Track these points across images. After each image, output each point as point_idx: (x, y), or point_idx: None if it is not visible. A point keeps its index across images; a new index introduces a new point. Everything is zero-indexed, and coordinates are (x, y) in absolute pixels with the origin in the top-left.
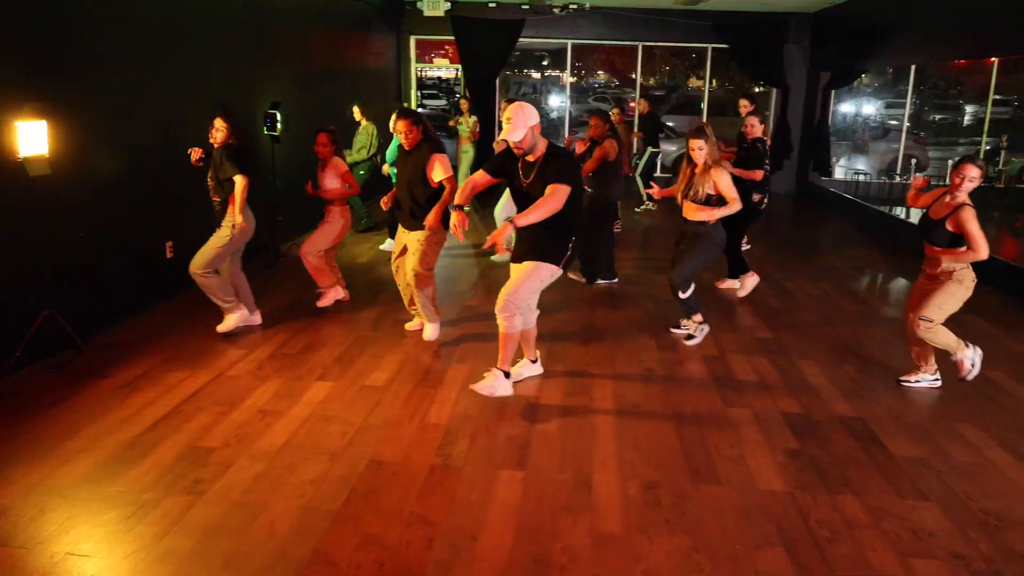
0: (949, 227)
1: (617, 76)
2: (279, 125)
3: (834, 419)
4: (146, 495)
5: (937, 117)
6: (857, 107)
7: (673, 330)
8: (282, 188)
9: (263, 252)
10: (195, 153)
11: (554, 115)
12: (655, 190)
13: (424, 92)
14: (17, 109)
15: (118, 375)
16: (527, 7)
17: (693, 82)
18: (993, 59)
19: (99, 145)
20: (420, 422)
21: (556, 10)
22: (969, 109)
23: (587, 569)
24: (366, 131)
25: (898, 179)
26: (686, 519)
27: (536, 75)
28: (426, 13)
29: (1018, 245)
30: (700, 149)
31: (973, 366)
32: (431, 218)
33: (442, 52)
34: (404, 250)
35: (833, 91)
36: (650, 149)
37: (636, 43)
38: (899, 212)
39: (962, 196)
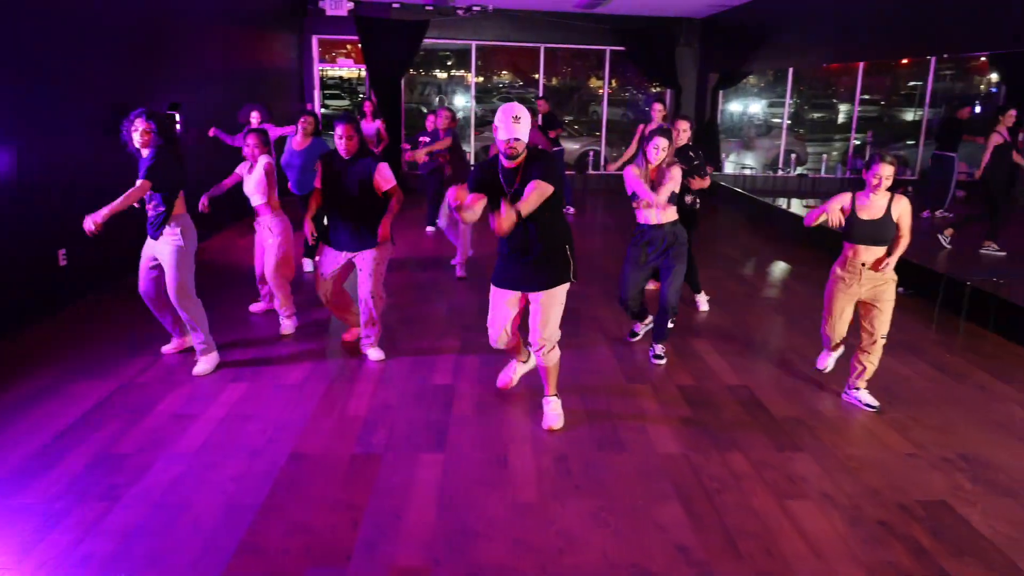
0: (895, 221)
1: (520, 77)
2: (178, 126)
3: (723, 388)
4: (57, 504)
5: (816, 115)
6: (744, 106)
7: (655, 360)
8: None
9: None
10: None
11: (460, 115)
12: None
13: (326, 92)
14: None
15: (15, 388)
16: (431, 8)
17: (593, 82)
18: (859, 63)
19: None
20: (339, 415)
21: (460, 11)
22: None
23: (506, 535)
24: None
25: (780, 173)
26: (594, 484)
27: (442, 75)
28: (329, 12)
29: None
30: (665, 148)
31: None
32: (386, 230)
33: (343, 51)
34: (341, 273)
35: (721, 91)
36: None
37: (539, 45)
38: (782, 203)
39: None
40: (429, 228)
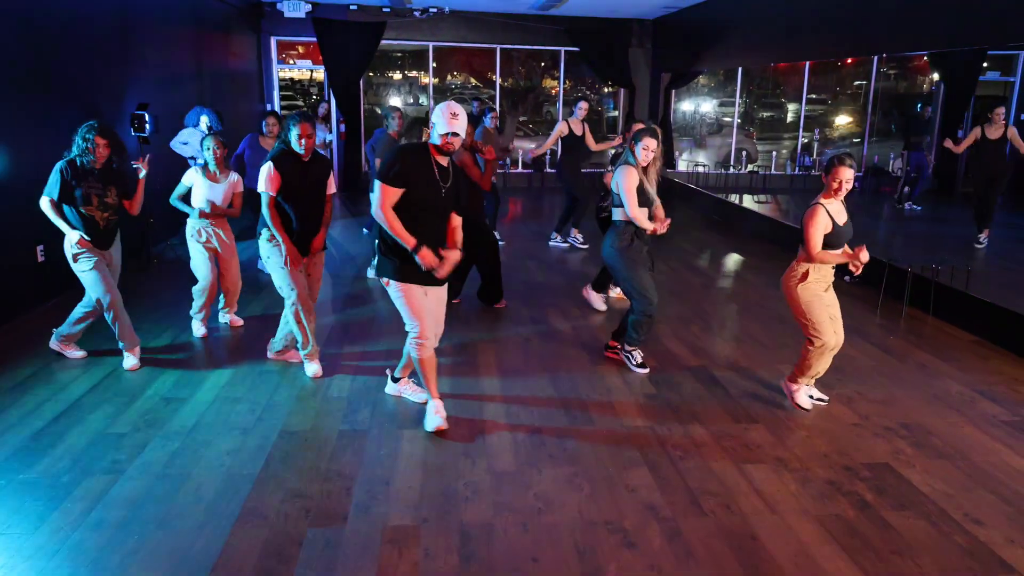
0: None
1: (476, 77)
2: (148, 126)
3: (684, 368)
4: (64, 478)
5: (766, 115)
6: (695, 105)
7: (639, 370)
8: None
9: (137, 255)
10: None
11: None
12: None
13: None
14: None
15: (4, 377)
16: (388, 10)
17: (548, 82)
18: (804, 62)
19: None
20: (323, 396)
21: (416, 13)
22: (791, 107)
23: (488, 498)
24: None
25: (732, 170)
26: (567, 453)
27: (397, 76)
28: (287, 15)
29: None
30: (655, 149)
31: None
32: (323, 238)
33: (294, 52)
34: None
35: (674, 91)
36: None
37: (495, 46)
38: (733, 199)
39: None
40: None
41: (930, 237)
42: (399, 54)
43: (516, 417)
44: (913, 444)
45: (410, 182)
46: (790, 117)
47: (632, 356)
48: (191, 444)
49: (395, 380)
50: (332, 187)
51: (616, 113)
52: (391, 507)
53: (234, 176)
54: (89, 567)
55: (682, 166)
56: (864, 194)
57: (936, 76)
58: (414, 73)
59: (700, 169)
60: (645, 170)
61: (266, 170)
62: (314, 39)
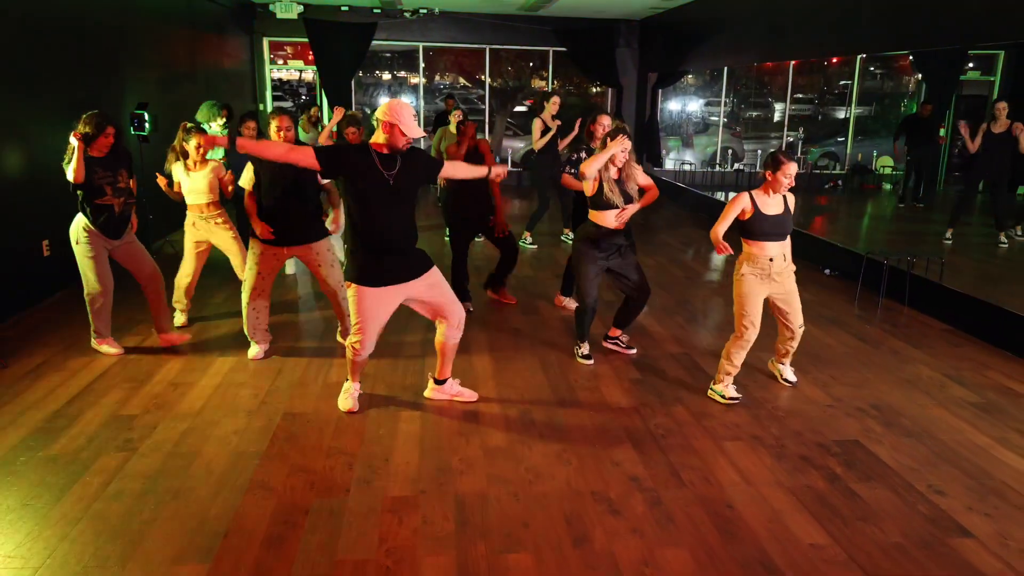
0: (791, 211)
1: (465, 77)
2: (147, 125)
3: (667, 355)
4: (83, 455)
5: (755, 114)
6: (682, 105)
7: (624, 349)
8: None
9: None
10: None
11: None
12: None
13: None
14: None
15: (15, 365)
16: (378, 11)
17: (536, 82)
18: (789, 62)
19: None
20: (323, 382)
21: (407, 14)
22: (778, 107)
23: (481, 471)
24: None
25: (718, 168)
26: (556, 432)
27: (387, 76)
28: (279, 16)
29: (822, 221)
30: (628, 150)
31: None
32: (341, 217)
33: (283, 52)
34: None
35: (660, 90)
36: None
37: (484, 46)
38: (719, 196)
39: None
40: None
41: (933, 234)
42: (388, 55)
43: (507, 400)
44: (883, 423)
45: (347, 172)
46: (777, 116)
47: (578, 348)
48: (199, 425)
49: (439, 383)
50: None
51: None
52: (390, 480)
53: (212, 163)
54: (111, 532)
55: (669, 164)
56: (849, 191)
57: (920, 75)
58: (403, 73)
59: (687, 167)
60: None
61: (246, 167)
62: (306, 40)
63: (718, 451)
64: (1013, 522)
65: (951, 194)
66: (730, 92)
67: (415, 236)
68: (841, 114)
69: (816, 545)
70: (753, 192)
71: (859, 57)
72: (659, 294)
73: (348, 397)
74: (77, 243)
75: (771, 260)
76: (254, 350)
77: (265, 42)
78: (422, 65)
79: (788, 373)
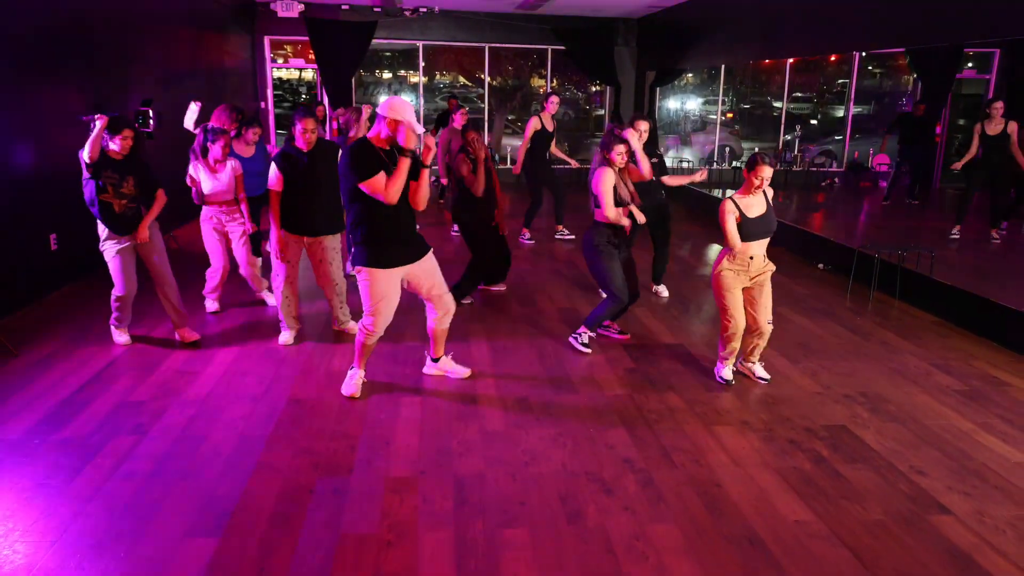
0: (773, 208)
1: (465, 76)
2: (151, 121)
3: (661, 345)
4: (94, 438)
5: (751, 112)
6: (680, 103)
7: (617, 336)
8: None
9: None
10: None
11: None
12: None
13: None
14: None
15: (25, 355)
16: (379, 9)
17: (535, 81)
18: (787, 60)
19: None
20: (325, 370)
21: (407, 12)
22: (777, 105)
23: (480, 454)
24: None
25: (715, 166)
26: (552, 417)
27: (387, 75)
28: (280, 14)
29: (817, 217)
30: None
31: None
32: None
33: (282, 52)
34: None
35: (658, 88)
36: None
37: (483, 44)
38: (716, 193)
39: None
40: None
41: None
42: (388, 53)
43: (505, 387)
44: (869, 409)
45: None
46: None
47: (580, 336)
48: (206, 410)
49: (435, 360)
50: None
51: (602, 112)
52: (392, 462)
53: (231, 163)
54: (123, 509)
55: (667, 162)
56: (845, 189)
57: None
58: (403, 72)
59: (685, 165)
60: (620, 169)
61: (272, 171)
62: (306, 38)
63: (708, 435)
64: (991, 501)
65: (948, 192)
66: (729, 91)
67: (415, 223)
68: (839, 112)
69: (801, 521)
70: (734, 198)
71: (856, 56)
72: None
73: (352, 383)
74: (102, 244)
75: (751, 259)
76: (284, 336)
77: (267, 41)
78: (422, 64)
79: (759, 370)
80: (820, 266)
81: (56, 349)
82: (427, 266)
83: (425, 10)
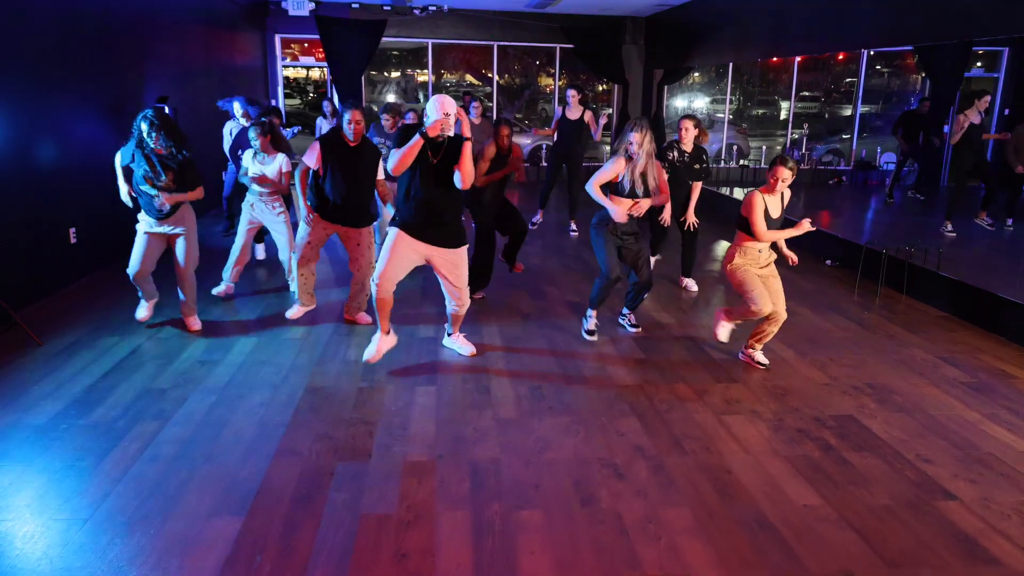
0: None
1: (473, 75)
2: None
3: (670, 337)
4: (119, 423)
5: (761, 111)
6: (688, 101)
7: (631, 328)
8: None
9: None
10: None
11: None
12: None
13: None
14: None
15: (48, 344)
16: (388, 8)
17: (543, 80)
18: (794, 59)
19: None
20: (342, 359)
21: (416, 11)
22: (784, 104)
23: (494, 441)
24: None
25: (723, 164)
26: (564, 406)
27: (395, 74)
28: (291, 13)
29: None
30: (640, 144)
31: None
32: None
33: (289, 51)
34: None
35: (666, 87)
36: None
37: (492, 43)
38: (724, 191)
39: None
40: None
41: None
42: (396, 52)
43: (518, 376)
44: (877, 400)
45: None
46: (783, 114)
47: (586, 320)
48: (227, 398)
49: (449, 335)
50: (380, 173)
51: (611, 111)
52: (409, 447)
53: (281, 156)
54: (150, 491)
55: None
56: (853, 187)
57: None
58: (411, 71)
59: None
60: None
61: (313, 149)
62: (317, 36)
63: (718, 424)
64: (996, 488)
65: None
66: (736, 89)
67: (456, 212)
68: (847, 112)
69: (809, 506)
70: (762, 193)
71: (864, 55)
72: (663, 282)
73: (375, 346)
74: (140, 217)
75: (760, 252)
76: (292, 310)
77: (277, 39)
78: (431, 62)
79: (759, 356)
80: (828, 262)
81: (78, 338)
82: (454, 259)
83: (435, 8)
